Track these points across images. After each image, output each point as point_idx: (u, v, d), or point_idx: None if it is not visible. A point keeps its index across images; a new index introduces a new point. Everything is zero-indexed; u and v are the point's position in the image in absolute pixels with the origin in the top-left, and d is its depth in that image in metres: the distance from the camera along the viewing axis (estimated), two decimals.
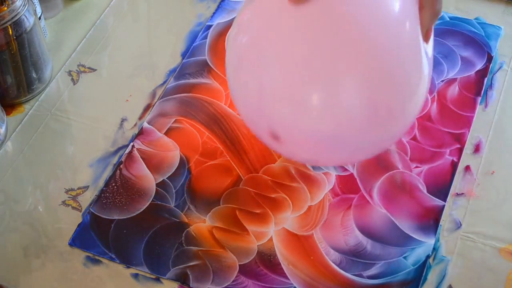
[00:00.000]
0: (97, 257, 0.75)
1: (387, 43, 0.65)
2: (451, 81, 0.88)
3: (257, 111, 0.70)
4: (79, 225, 0.77)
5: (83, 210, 0.78)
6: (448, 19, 0.93)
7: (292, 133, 0.69)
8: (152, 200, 0.79)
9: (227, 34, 0.73)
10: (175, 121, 0.85)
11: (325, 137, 0.67)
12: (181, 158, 0.82)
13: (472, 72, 0.88)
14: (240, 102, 0.73)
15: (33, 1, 0.87)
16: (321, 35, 0.64)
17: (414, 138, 0.83)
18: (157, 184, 0.80)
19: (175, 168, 0.81)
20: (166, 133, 0.84)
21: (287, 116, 0.67)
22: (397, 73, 0.66)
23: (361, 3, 0.65)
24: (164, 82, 0.89)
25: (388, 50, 0.65)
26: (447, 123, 0.84)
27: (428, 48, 0.68)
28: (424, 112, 0.85)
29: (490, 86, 0.87)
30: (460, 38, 0.91)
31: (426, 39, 0.67)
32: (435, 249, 0.75)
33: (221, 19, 0.95)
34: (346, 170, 0.80)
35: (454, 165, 0.80)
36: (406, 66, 0.66)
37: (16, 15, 0.81)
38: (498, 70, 0.89)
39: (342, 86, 0.65)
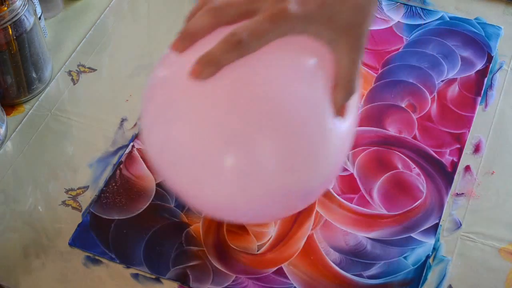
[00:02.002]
0: (97, 257, 0.75)
1: (304, 115, 0.61)
2: (451, 81, 0.88)
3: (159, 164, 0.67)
4: (79, 225, 0.77)
5: (83, 210, 0.78)
6: (448, 19, 0.93)
7: (196, 197, 0.67)
8: (152, 200, 0.79)
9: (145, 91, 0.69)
10: None
11: (231, 205, 0.65)
12: None
13: (472, 72, 0.88)
14: (151, 149, 0.68)
15: (33, 1, 0.87)
16: (234, 102, 0.61)
17: (414, 138, 0.83)
18: (157, 184, 0.80)
19: None
20: None
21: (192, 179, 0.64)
22: (314, 146, 0.62)
23: (276, 74, 0.61)
24: None
25: (304, 121, 0.62)
26: (447, 123, 0.84)
27: (348, 119, 0.64)
28: (424, 112, 0.85)
29: (490, 86, 0.87)
30: (460, 38, 0.91)
31: (340, 114, 0.63)
32: (435, 249, 0.75)
33: None
34: (346, 170, 0.80)
35: (454, 165, 0.80)
36: (322, 138, 0.63)
37: (16, 15, 0.81)
38: (498, 70, 0.89)
39: (254, 155, 0.61)
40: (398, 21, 0.94)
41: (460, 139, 0.83)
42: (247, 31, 0.59)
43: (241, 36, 0.59)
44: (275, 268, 0.74)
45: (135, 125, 0.85)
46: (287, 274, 0.73)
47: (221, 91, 0.60)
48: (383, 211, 0.77)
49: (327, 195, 0.78)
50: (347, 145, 0.67)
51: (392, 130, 0.84)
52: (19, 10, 0.81)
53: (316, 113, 0.62)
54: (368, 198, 0.78)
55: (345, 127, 0.64)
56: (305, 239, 0.75)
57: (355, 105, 0.66)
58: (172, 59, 0.65)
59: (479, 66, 0.89)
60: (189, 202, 0.71)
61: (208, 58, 0.60)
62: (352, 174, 0.80)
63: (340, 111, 0.63)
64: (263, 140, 0.60)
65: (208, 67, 0.60)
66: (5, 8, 0.80)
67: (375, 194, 0.79)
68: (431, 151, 0.82)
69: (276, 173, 0.61)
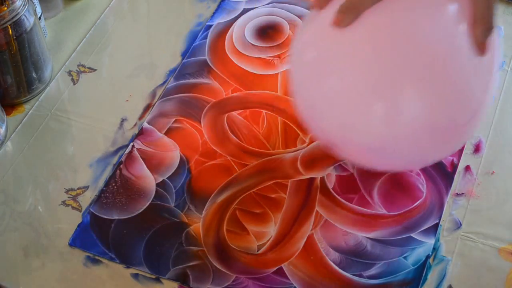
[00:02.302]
0: (97, 257, 0.75)
1: (446, 55, 0.64)
2: None
3: (315, 117, 0.71)
4: (79, 225, 0.77)
5: (83, 210, 0.78)
6: None
7: (347, 144, 0.70)
8: (152, 200, 0.79)
9: (290, 56, 0.72)
10: (175, 121, 0.85)
11: (382, 149, 0.68)
12: (181, 158, 0.82)
13: None
14: (301, 105, 0.72)
15: (33, 1, 0.87)
16: (379, 48, 0.64)
17: None
18: (157, 184, 0.80)
19: (175, 168, 0.81)
20: (166, 133, 0.84)
21: (342, 127, 0.68)
22: (459, 86, 0.65)
23: (416, 16, 0.65)
24: (164, 82, 0.89)
25: (447, 61, 0.64)
26: None
27: (491, 57, 0.67)
28: None
29: None
30: None
31: (481, 52, 0.65)
32: (435, 249, 0.75)
33: (221, 19, 0.95)
34: (346, 170, 0.80)
35: (454, 165, 0.80)
36: (466, 77, 0.65)
37: (16, 15, 0.81)
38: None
39: (402, 98, 0.64)
40: None
41: None
42: None
43: None
44: (275, 268, 0.74)
45: (135, 125, 0.85)
46: (287, 274, 0.74)
47: (365, 41, 0.64)
48: (383, 211, 0.77)
49: (327, 194, 0.78)
50: (493, 82, 0.69)
51: None
52: (19, 10, 0.81)
53: (458, 53, 0.64)
54: (368, 198, 0.78)
55: (488, 64, 0.66)
56: (305, 239, 0.75)
57: (496, 42, 0.68)
58: (315, 20, 0.69)
59: None
60: (339, 152, 0.73)
61: (347, 5, 0.64)
62: (352, 174, 0.80)
63: (480, 48, 0.65)
64: (408, 83, 0.64)
65: (348, 14, 0.64)
66: (5, 8, 0.80)
67: (375, 194, 0.79)
68: None
69: (422, 114, 0.64)
